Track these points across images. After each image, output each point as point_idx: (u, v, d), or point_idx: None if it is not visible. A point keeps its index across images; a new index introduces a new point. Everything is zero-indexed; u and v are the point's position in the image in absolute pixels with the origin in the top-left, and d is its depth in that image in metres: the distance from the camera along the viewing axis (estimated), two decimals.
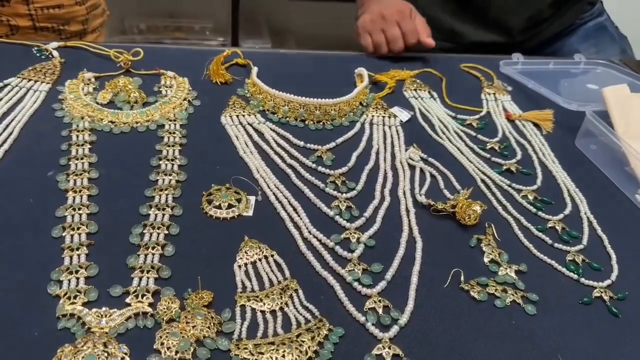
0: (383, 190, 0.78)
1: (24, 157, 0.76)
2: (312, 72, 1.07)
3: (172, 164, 0.77)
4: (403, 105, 0.99)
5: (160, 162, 0.77)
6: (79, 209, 0.68)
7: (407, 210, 0.75)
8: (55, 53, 0.97)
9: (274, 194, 0.75)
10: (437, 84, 1.07)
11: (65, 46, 1.00)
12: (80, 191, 0.70)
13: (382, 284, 0.62)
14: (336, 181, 0.79)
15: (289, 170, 0.79)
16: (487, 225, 0.72)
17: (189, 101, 0.91)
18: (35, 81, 0.90)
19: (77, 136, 0.80)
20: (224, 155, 0.81)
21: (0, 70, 0.91)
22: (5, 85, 0.88)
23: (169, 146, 0.80)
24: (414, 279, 0.64)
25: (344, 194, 0.76)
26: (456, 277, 0.64)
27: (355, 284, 0.62)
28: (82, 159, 0.76)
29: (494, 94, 1.05)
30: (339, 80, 1.05)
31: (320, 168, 0.81)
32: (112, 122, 0.84)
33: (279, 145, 0.84)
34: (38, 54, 0.97)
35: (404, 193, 0.78)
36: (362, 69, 1.02)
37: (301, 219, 0.71)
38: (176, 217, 0.69)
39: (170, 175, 0.75)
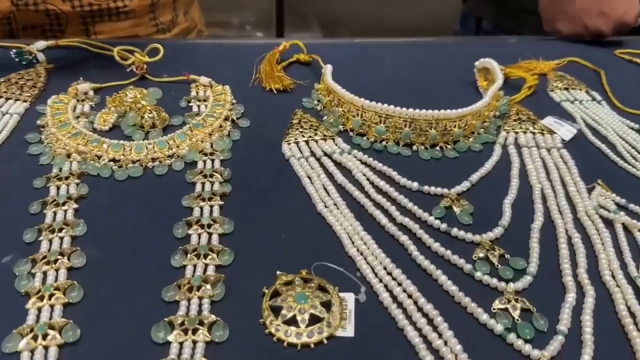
0: (576, 271, 0.45)
1: None
2: (403, 69, 0.74)
3: (210, 234, 0.46)
4: (556, 113, 0.65)
5: (190, 232, 0.46)
6: (45, 337, 0.37)
7: (633, 315, 0.41)
8: (40, 56, 0.68)
9: (385, 285, 0.43)
10: (590, 80, 0.73)
11: (57, 45, 0.71)
12: (50, 298, 0.40)
13: None
14: (489, 255, 0.46)
15: (402, 238, 0.47)
16: None
17: (232, 121, 0.60)
18: (7, 99, 0.61)
19: (58, 188, 0.50)
20: (290, 211, 0.49)
21: None
22: None
23: (203, 200, 0.49)
24: None
25: (510, 284, 0.43)
26: None
27: None
28: (60, 230, 0.45)
29: None
30: (442, 78, 0.72)
31: (453, 230, 0.48)
32: (114, 160, 0.54)
33: (376, 188, 0.52)
34: (18, 59, 0.68)
35: (614, 276, 0.44)
36: (490, 60, 0.67)
37: (442, 337, 0.39)
38: (217, 344, 0.38)
39: (206, 258, 0.44)
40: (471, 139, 0.59)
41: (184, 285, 0.41)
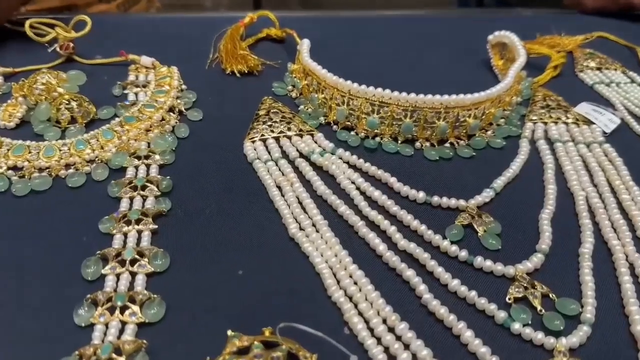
0: None
1: None
2: (399, 48, 0.61)
3: (133, 274, 0.32)
4: (589, 98, 0.52)
5: (105, 272, 0.32)
6: None
7: None
8: None
9: (385, 348, 0.29)
10: (622, 59, 0.60)
11: None
12: None
13: None
14: (527, 296, 0.33)
15: (408, 273, 0.33)
16: None
17: (180, 112, 0.47)
18: None
19: None
20: (252, 236, 0.36)
21: None
22: None
23: (128, 223, 0.36)
24: None
25: (562, 339, 0.31)
26: None
27: None
28: None
29: None
30: (445, 57, 0.59)
31: (477, 260, 0.35)
32: (15, 168, 0.40)
33: (369, 200, 0.39)
34: None
35: None
36: (507, 33, 0.54)
37: None
38: None
39: (123, 313, 0.30)
40: (489, 132, 0.46)
41: (88, 359, 0.28)
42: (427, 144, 0.44)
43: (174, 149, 0.42)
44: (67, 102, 0.43)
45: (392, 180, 0.40)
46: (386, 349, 0.29)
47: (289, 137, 0.44)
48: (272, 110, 0.46)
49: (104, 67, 0.52)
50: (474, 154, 0.44)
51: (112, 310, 0.30)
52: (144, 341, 0.28)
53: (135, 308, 0.30)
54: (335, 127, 0.46)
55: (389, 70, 0.55)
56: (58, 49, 0.51)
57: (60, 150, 0.40)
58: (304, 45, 0.50)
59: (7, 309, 0.31)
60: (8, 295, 0.31)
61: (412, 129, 0.43)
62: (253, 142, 0.43)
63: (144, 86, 0.48)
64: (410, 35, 0.64)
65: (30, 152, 0.40)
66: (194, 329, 0.30)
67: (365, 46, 0.61)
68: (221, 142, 0.44)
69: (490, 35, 0.56)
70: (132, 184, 0.38)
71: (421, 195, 0.39)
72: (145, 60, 0.51)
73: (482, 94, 0.44)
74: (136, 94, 0.48)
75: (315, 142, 0.43)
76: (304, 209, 0.37)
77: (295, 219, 0.37)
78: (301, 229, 0.36)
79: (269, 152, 0.42)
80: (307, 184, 0.40)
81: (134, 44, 0.55)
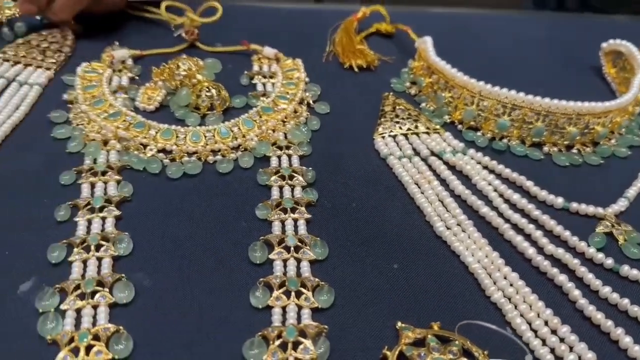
0: None
1: None
2: (505, 47, 0.61)
3: (299, 260, 0.34)
4: None
5: (273, 257, 0.34)
6: None
7: None
8: None
9: (551, 349, 0.30)
10: None
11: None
12: (88, 352, 0.28)
13: None
14: None
15: (560, 278, 0.34)
16: None
17: (308, 104, 0.48)
18: (26, 65, 0.49)
19: (92, 186, 0.38)
20: (398, 231, 0.37)
21: None
22: None
23: (284, 211, 0.37)
24: None
25: None
26: None
27: None
28: (97, 249, 0.33)
29: None
30: (550, 59, 0.59)
31: (623, 269, 0.35)
32: (164, 151, 0.41)
33: (509, 203, 0.39)
34: (39, 16, 0.55)
35: None
36: (625, 43, 0.53)
37: None
38: None
39: (299, 297, 0.31)
40: (612, 141, 0.46)
41: (273, 340, 0.29)
42: (555, 149, 0.45)
43: (308, 140, 0.44)
44: (207, 89, 0.45)
45: (529, 184, 0.41)
46: (552, 351, 0.30)
47: (418, 135, 0.45)
48: (397, 107, 0.47)
49: (224, 55, 0.53)
50: (602, 161, 0.44)
51: (287, 294, 0.32)
52: (325, 326, 0.30)
53: (308, 293, 0.32)
54: (460, 126, 0.47)
55: (499, 71, 0.56)
56: (183, 34, 0.53)
57: (205, 137, 0.42)
58: (428, 43, 0.50)
59: (182, 291, 0.32)
60: (179, 276, 0.33)
61: (543, 133, 0.44)
62: (383, 137, 0.44)
63: (271, 77, 0.50)
64: (514, 35, 0.63)
65: (177, 137, 0.42)
66: (360, 318, 0.32)
67: (475, 44, 0.61)
68: (350, 135, 0.45)
69: (604, 43, 0.55)
70: (280, 173, 0.40)
71: (560, 201, 0.39)
72: (269, 51, 0.52)
73: (613, 103, 0.44)
74: (264, 84, 0.49)
75: (444, 141, 0.45)
76: (446, 208, 0.39)
77: (440, 217, 0.38)
78: (447, 227, 0.37)
79: (400, 149, 0.43)
80: (443, 183, 0.41)
81: (248, 34, 0.56)
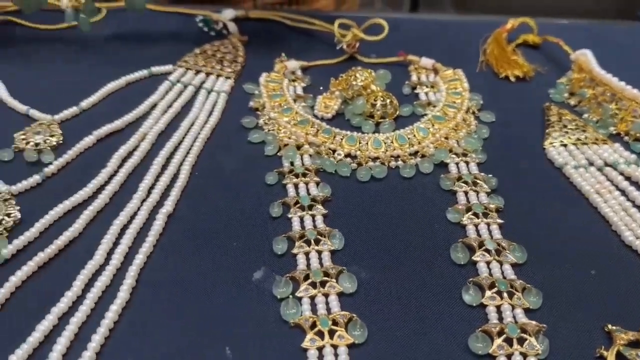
0: None
1: (187, 232, 0.39)
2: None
3: (500, 262, 0.36)
4: None
5: (477, 259, 0.36)
6: None
7: None
8: (232, 26, 0.60)
9: None
10: None
11: (246, 17, 0.63)
12: (332, 336, 0.32)
13: None
14: None
15: None
16: None
17: (473, 113, 0.50)
18: (208, 74, 0.54)
19: (296, 187, 0.42)
20: (584, 240, 0.38)
21: (147, 56, 0.56)
22: (153, 76, 0.52)
23: (476, 216, 0.39)
24: None
25: None
26: None
27: None
28: (317, 242, 0.37)
29: None
30: None
31: None
32: (350, 156, 0.45)
33: None
34: (205, 28, 0.61)
35: None
36: None
37: None
38: None
39: (511, 297, 0.33)
40: None
41: (496, 335, 0.32)
42: None
43: (481, 148, 0.46)
44: (381, 98, 0.48)
45: None
46: None
47: (588, 145, 0.46)
48: (563, 117, 0.48)
49: (378, 66, 0.56)
50: None
51: (499, 294, 0.34)
52: (544, 325, 0.32)
53: (519, 294, 0.34)
54: (626, 138, 0.47)
55: None
56: (344, 48, 0.56)
57: (384, 143, 0.45)
58: (589, 55, 0.51)
59: (395, 286, 0.35)
60: (388, 271, 0.36)
61: None
62: (555, 147, 0.46)
63: (432, 87, 0.52)
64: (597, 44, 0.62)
65: (360, 143, 0.45)
66: (569, 320, 0.33)
67: (616, 56, 0.60)
68: (518, 143, 0.47)
69: None
70: (462, 179, 0.42)
71: None
72: (426, 61, 0.55)
73: None
74: (426, 94, 0.52)
75: (615, 152, 0.45)
76: (630, 217, 0.40)
77: (627, 227, 0.39)
78: (637, 237, 0.38)
79: (574, 159, 0.45)
80: (622, 193, 0.42)
81: (394, 45, 0.58)
